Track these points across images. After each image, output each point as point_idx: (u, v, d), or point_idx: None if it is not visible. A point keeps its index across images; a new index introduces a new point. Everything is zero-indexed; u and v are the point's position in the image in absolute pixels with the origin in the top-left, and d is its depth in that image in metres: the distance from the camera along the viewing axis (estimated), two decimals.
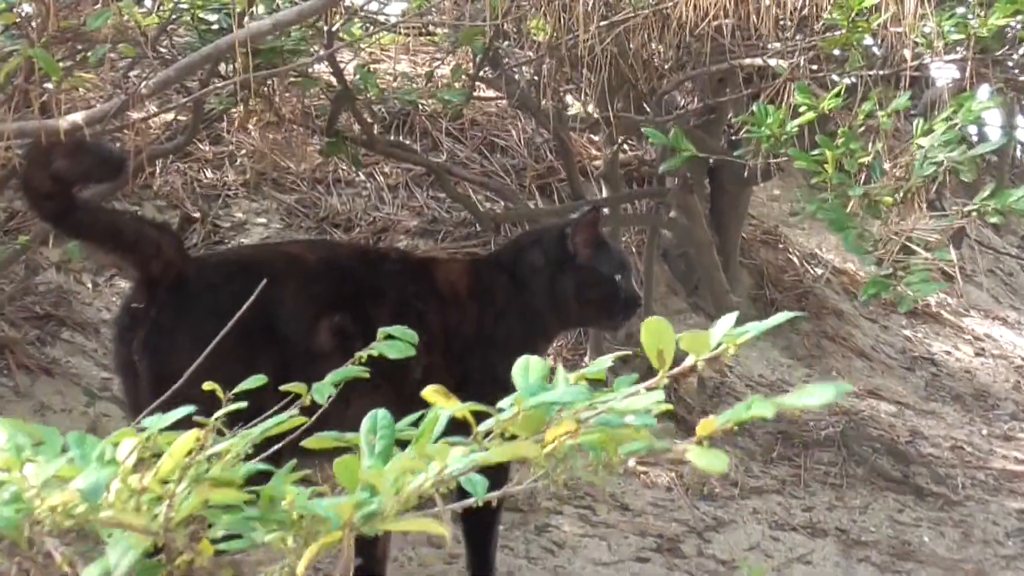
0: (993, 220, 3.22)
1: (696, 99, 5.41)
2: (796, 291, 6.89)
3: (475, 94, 5.19)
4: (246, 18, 3.91)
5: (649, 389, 1.31)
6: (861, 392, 6.34)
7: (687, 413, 5.27)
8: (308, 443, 1.48)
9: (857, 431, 5.82)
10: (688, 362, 1.30)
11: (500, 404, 1.32)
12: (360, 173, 5.92)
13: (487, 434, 1.31)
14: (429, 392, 1.36)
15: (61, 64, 3.61)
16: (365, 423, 1.38)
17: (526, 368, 1.40)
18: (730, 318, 1.31)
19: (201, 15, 4.25)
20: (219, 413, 1.41)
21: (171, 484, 1.22)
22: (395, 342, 1.85)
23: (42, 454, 1.28)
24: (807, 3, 4.06)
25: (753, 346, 6.43)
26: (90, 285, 4.83)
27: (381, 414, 1.39)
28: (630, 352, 1.33)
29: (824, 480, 5.32)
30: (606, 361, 1.40)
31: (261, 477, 1.37)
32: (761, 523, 4.82)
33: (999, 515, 5.33)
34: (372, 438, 1.35)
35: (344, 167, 5.90)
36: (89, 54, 3.78)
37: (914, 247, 3.19)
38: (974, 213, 3.21)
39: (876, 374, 6.71)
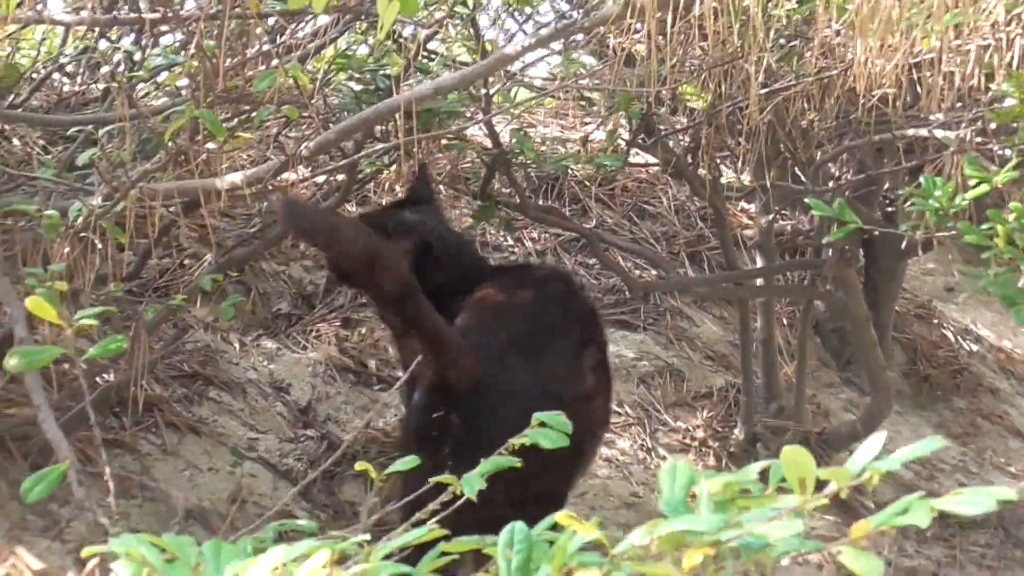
0: None
1: (852, 169, 5.30)
2: (950, 368, 6.72)
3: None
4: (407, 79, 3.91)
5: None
6: (1019, 473, 6.15)
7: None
8: (447, 547, 1.48)
9: (1015, 513, 5.64)
10: (831, 488, 1.33)
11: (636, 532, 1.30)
12: (509, 237, 5.88)
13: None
14: (562, 517, 1.35)
15: (224, 124, 3.62)
16: (502, 537, 1.34)
17: (673, 473, 1.39)
18: (878, 439, 1.34)
19: (352, 83, 4.27)
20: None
21: None
22: (548, 431, 1.81)
23: (174, 571, 1.22)
24: (975, 74, 3.95)
25: (906, 422, 6.28)
26: (237, 345, 4.83)
27: (518, 527, 1.35)
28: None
29: (980, 563, 5.16)
30: (753, 471, 1.40)
31: None
32: None
33: None
34: (509, 552, 1.33)
35: (492, 231, 5.86)
36: (254, 115, 3.79)
37: None
38: None
39: None
